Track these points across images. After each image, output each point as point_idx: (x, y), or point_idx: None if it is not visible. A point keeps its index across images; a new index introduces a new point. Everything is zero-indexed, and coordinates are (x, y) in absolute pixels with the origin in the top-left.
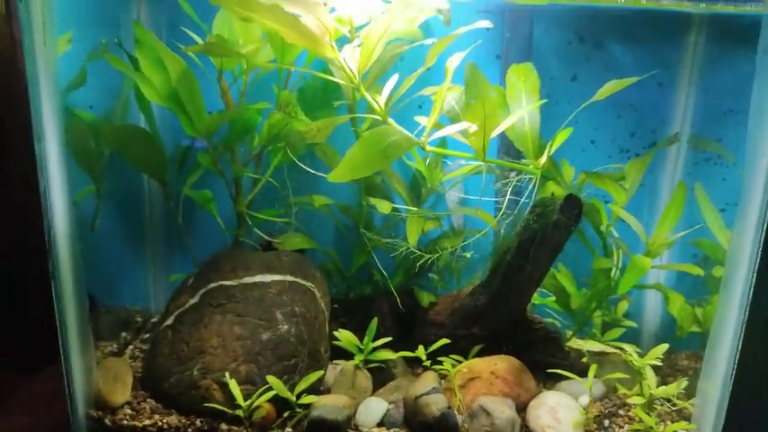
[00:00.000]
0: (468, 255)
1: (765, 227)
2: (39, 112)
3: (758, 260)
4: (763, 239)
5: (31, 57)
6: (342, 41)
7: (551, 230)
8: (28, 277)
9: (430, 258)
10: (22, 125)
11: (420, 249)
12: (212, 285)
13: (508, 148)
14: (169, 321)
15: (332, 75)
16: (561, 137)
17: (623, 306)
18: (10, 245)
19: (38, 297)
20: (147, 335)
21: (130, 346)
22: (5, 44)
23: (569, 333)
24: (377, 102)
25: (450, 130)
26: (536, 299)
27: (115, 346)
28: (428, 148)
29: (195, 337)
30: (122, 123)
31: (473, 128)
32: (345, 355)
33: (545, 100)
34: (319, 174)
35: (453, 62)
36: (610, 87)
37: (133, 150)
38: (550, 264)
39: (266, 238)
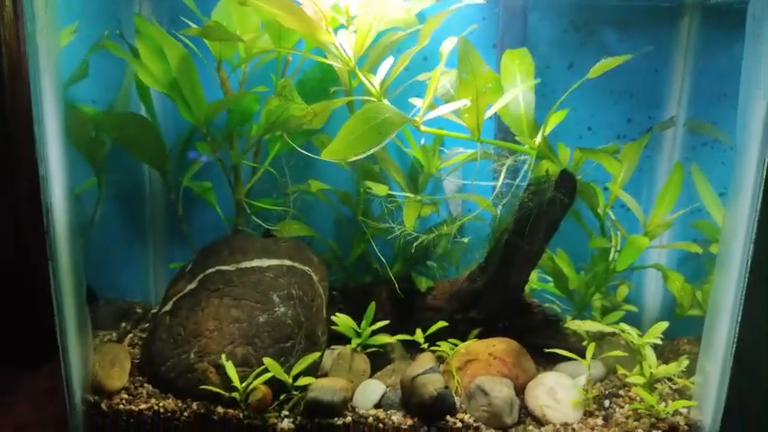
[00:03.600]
0: (466, 240)
1: (760, 201)
2: (38, 95)
3: (754, 234)
4: (758, 213)
5: (32, 42)
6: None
7: (547, 207)
8: (26, 262)
9: (424, 240)
10: (23, 109)
11: (417, 235)
12: (210, 270)
13: (505, 134)
14: (167, 307)
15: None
16: (556, 118)
17: (623, 291)
18: (8, 228)
19: (36, 283)
20: (147, 324)
21: (129, 335)
22: (9, 32)
23: (569, 317)
24: (373, 84)
25: (444, 110)
26: (535, 283)
27: (114, 335)
28: (423, 128)
29: (192, 321)
30: (123, 112)
31: (466, 104)
32: (344, 340)
33: (539, 80)
34: (316, 157)
35: (447, 46)
36: (602, 65)
37: (133, 138)
38: (547, 241)
39: (264, 225)
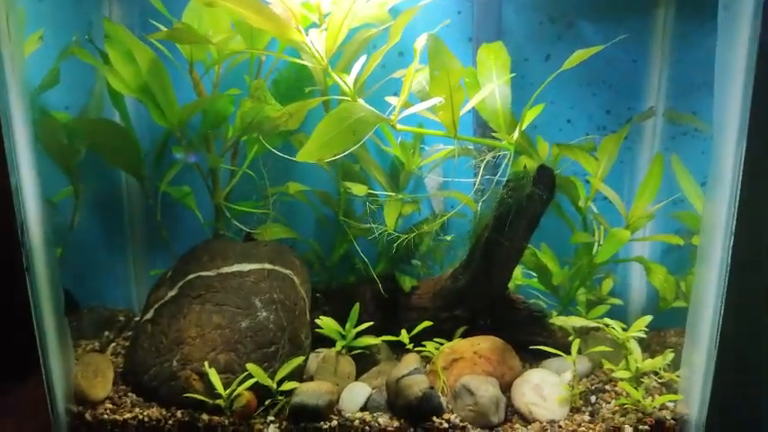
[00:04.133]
0: (449, 238)
1: (738, 190)
2: (6, 107)
3: (734, 223)
4: (737, 203)
5: None
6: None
7: (526, 203)
8: (3, 274)
9: (406, 239)
10: None
11: (400, 234)
12: (191, 277)
13: (484, 129)
14: (149, 315)
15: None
16: (533, 112)
17: (608, 284)
18: None
19: (14, 295)
20: (130, 332)
21: (113, 344)
22: None
23: (554, 313)
24: (346, 83)
25: (418, 107)
26: (520, 279)
27: (97, 344)
28: (398, 126)
29: (174, 328)
30: (96, 118)
31: (440, 101)
32: (329, 343)
33: (514, 74)
34: (292, 159)
35: (421, 42)
36: (577, 57)
37: (108, 145)
38: (527, 238)
39: (245, 229)
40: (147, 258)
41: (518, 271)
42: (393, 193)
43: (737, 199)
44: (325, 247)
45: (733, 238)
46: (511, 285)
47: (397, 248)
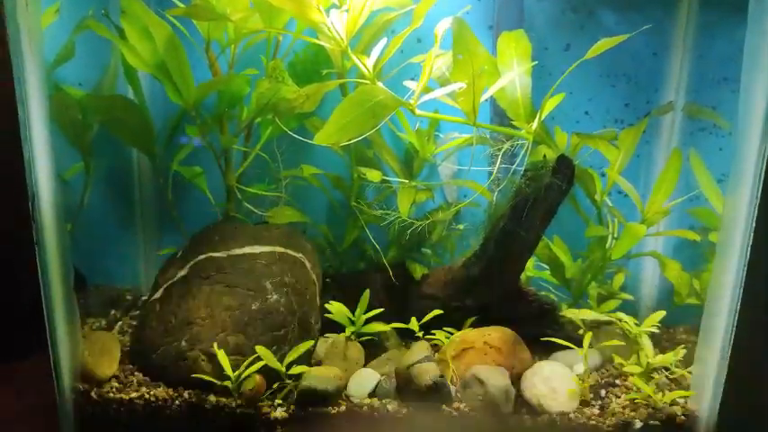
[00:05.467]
0: (461, 227)
1: (761, 186)
2: (23, 79)
3: (754, 221)
4: (759, 200)
5: (13, 20)
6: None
7: (544, 193)
8: (12, 251)
9: (420, 226)
10: (6, 90)
11: (412, 221)
12: (201, 257)
13: (502, 118)
14: (158, 294)
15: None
16: (553, 102)
17: (620, 278)
18: None
19: (23, 270)
20: (138, 312)
21: (119, 323)
22: None
23: (565, 306)
24: (366, 66)
25: (439, 93)
26: (532, 271)
27: (104, 322)
28: (417, 111)
29: (183, 308)
30: (110, 94)
31: (462, 87)
32: (338, 328)
33: (536, 62)
34: (308, 141)
35: (442, 27)
36: (600, 46)
37: (120, 121)
38: (544, 228)
39: (256, 211)
40: (156, 238)
41: (530, 263)
42: (406, 181)
43: (759, 196)
44: (336, 233)
45: (752, 235)
46: (522, 277)
47: (408, 236)
